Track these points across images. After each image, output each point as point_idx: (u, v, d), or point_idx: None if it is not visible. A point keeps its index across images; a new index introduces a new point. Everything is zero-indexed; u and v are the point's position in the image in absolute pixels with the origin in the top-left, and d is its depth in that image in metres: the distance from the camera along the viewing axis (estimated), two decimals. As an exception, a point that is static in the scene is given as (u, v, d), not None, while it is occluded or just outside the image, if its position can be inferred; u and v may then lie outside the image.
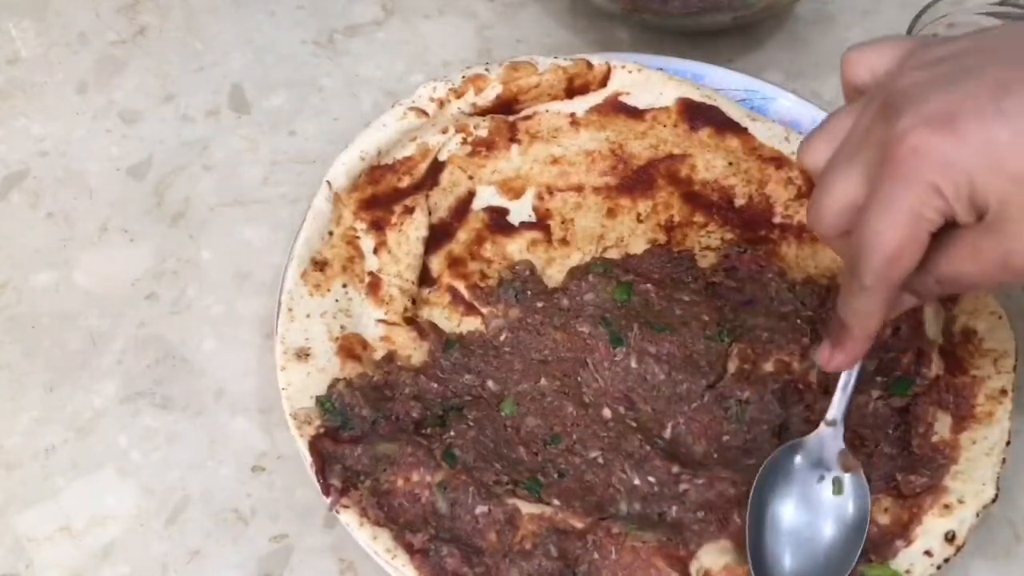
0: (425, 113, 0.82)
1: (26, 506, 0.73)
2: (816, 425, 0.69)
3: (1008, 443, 0.68)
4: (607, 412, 0.73)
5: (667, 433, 0.72)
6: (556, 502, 0.68)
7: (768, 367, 0.74)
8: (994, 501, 0.66)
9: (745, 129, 0.83)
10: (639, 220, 0.83)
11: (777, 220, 0.81)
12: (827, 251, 0.78)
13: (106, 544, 0.72)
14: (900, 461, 0.68)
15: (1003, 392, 0.69)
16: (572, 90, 0.85)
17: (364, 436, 0.70)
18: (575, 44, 0.95)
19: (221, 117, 0.93)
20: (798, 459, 0.68)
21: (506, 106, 0.85)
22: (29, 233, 0.86)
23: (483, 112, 0.84)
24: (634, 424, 0.72)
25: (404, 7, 1.00)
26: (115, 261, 0.84)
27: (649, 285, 0.78)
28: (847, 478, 0.67)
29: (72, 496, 0.74)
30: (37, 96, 0.94)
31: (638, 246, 0.82)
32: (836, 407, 0.68)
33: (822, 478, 0.67)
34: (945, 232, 0.53)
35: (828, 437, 0.68)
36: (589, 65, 0.84)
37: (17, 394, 0.78)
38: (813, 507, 0.67)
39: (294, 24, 0.99)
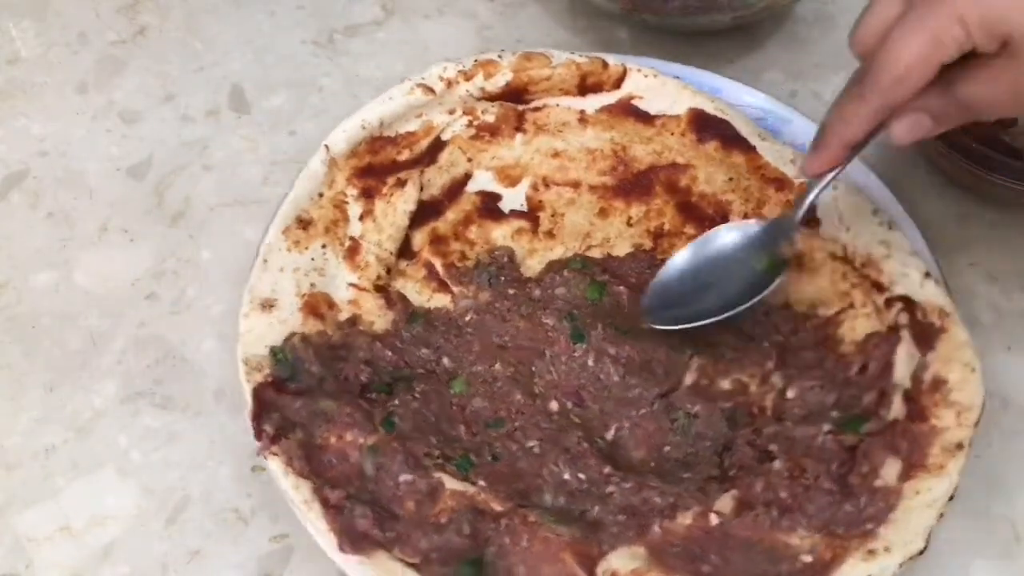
0: (432, 91, 0.83)
1: (26, 506, 0.74)
2: (760, 451, 0.69)
3: (951, 498, 0.65)
4: (554, 405, 0.73)
5: (610, 435, 0.72)
6: (482, 483, 0.69)
7: (725, 385, 0.74)
8: (921, 553, 0.64)
9: (753, 147, 0.81)
10: (629, 224, 0.83)
11: None
12: (812, 282, 0.77)
13: (106, 544, 0.72)
14: (837, 497, 0.66)
15: (959, 446, 0.65)
16: (585, 87, 0.85)
17: (308, 391, 0.71)
18: (575, 44, 0.95)
19: (221, 117, 0.93)
20: (742, 239, 0.75)
21: (515, 95, 0.84)
22: (29, 233, 0.86)
23: (491, 98, 0.84)
24: (577, 420, 0.72)
25: (404, 7, 1.00)
26: (115, 261, 0.84)
27: (623, 288, 0.78)
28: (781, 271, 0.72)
29: (72, 496, 0.74)
30: (37, 96, 0.94)
31: (623, 249, 0.81)
32: (799, 205, 0.72)
33: (757, 252, 0.73)
34: (969, 58, 0.57)
35: (782, 226, 0.73)
36: (605, 65, 0.84)
37: (17, 394, 0.78)
38: (731, 272, 0.74)
39: (294, 24, 0.99)
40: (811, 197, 0.71)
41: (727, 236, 0.76)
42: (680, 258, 0.76)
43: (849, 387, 0.71)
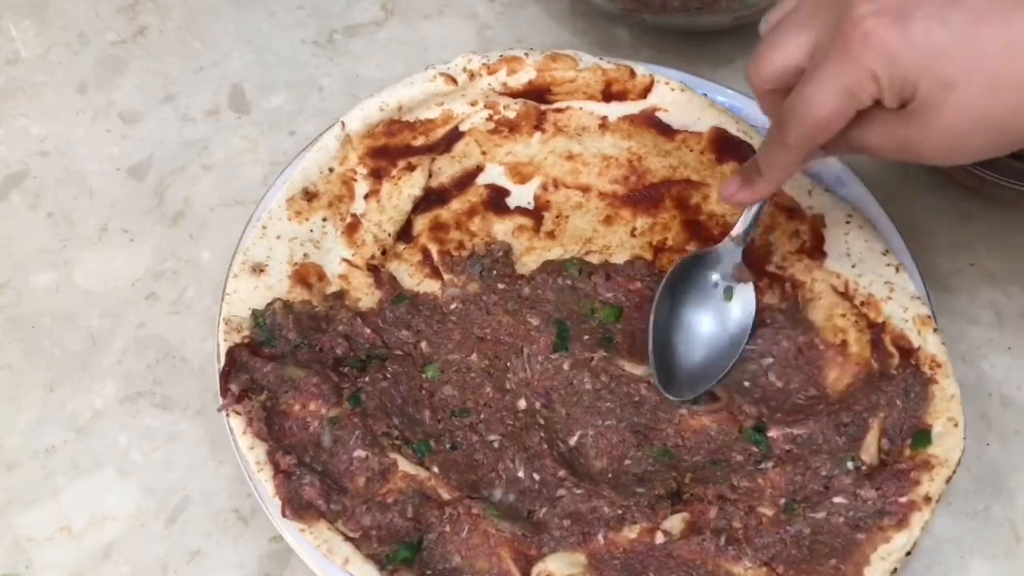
0: (454, 81, 0.83)
1: (26, 506, 0.74)
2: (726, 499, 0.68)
3: (909, 553, 0.65)
4: (522, 403, 0.74)
5: (573, 440, 0.72)
6: (436, 469, 0.70)
7: (706, 421, 0.73)
8: None
9: None
10: (632, 234, 0.82)
11: (771, 268, 0.78)
12: (808, 314, 0.76)
13: (106, 544, 0.72)
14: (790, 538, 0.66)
15: (927, 499, 0.65)
16: (609, 94, 0.85)
17: (281, 356, 0.73)
18: (575, 44, 0.95)
19: (221, 117, 0.93)
20: (699, 267, 0.76)
21: (537, 93, 0.85)
22: (29, 233, 0.86)
23: (513, 94, 0.85)
24: (542, 421, 0.73)
25: (404, 7, 1.00)
26: (115, 261, 0.84)
27: (636, 315, 0.77)
28: (738, 287, 0.75)
29: (72, 496, 0.74)
30: (37, 96, 0.94)
31: (621, 258, 0.81)
32: (741, 224, 0.74)
33: (716, 285, 0.75)
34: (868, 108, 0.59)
35: (729, 250, 0.75)
36: (632, 73, 0.84)
37: (17, 394, 0.78)
38: (705, 310, 0.76)
39: (294, 24, 0.99)
40: (751, 217, 0.74)
41: (687, 290, 0.76)
42: (660, 323, 0.75)
43: (829, 427, 0.70)
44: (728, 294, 0.75)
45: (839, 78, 0.57)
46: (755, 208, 0.74)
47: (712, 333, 0.75)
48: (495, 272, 0.79)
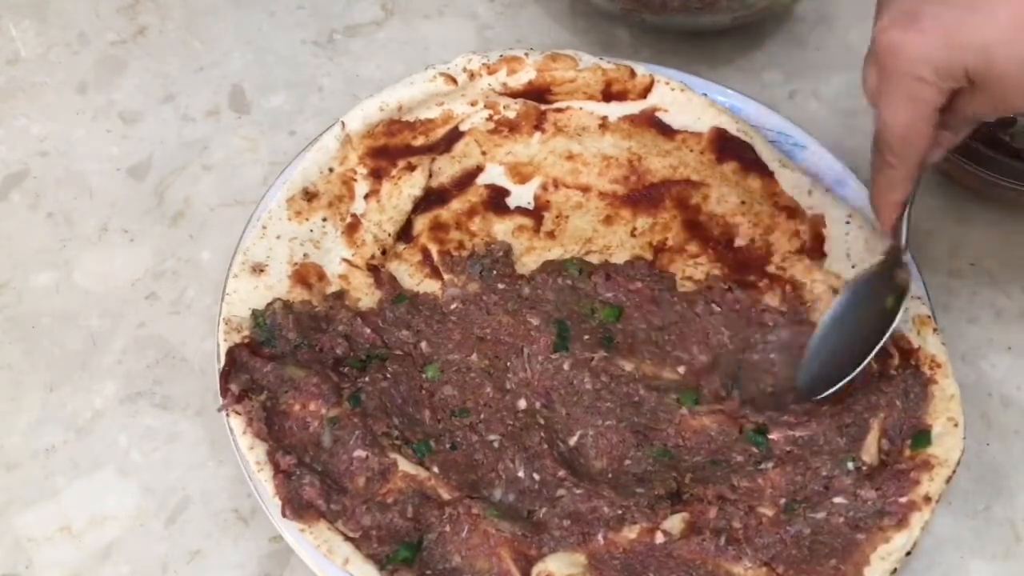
0: (454, 81, 0.83)
1: (26, 506, 0.74)
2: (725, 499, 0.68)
3: (909, 553, 0.65)
4: (522, 403, 0.74)
5: (573, 440, 0.72)
6: (436, 469, 0.70)
7: (706, 421, 0.73)
8: None
9: (772, 173, 0.81)
10: (632, 234, 0.82)
11: (771, 269, 0.79)
12: (806, 314, 0.76)
13: (106, 544, 0.72)
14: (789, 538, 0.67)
15: (927, 499, 0.65)
16: (609, 94, 0.85)
17: (281, 356, 0.73)
18: (575, 44, 0.95)
19: (221, 117, 0.93)
20: (881, 282, 0.73)
21: (537, 93, 0.85)
22: (29, 233, 0.86)
23: (513, 94, 0.85)
24: (542, 421, 0.73)
25: (404, 7, 1.00)
26: (115, 261, 0.84)
27: (638, 315, 0.77)
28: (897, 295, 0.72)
29: (72, 496, 0.74)
30: (37, 96, 0.94)
31: (621, 258, 0.81)
32: (902, 237, 0.72)
33: (884, 297, 0.72)
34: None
35: (895, 263, 0.73)
36: (632, 73, 0.84)
37: (17, 394, 0.78)
38: (873, 318, 0.72)
39: (294, 24, 0.99)
40: (905, 228, 0.72)
41: (855, 304, 0.74)
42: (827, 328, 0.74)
43: (830, 428, 0.70)
44: (895, 302, 0.72)
45: (896, 93, 0.61)
46: (904, 223, 0.72)
47: (867, 336, 0.72)
48: (495, 272, 0.79)
